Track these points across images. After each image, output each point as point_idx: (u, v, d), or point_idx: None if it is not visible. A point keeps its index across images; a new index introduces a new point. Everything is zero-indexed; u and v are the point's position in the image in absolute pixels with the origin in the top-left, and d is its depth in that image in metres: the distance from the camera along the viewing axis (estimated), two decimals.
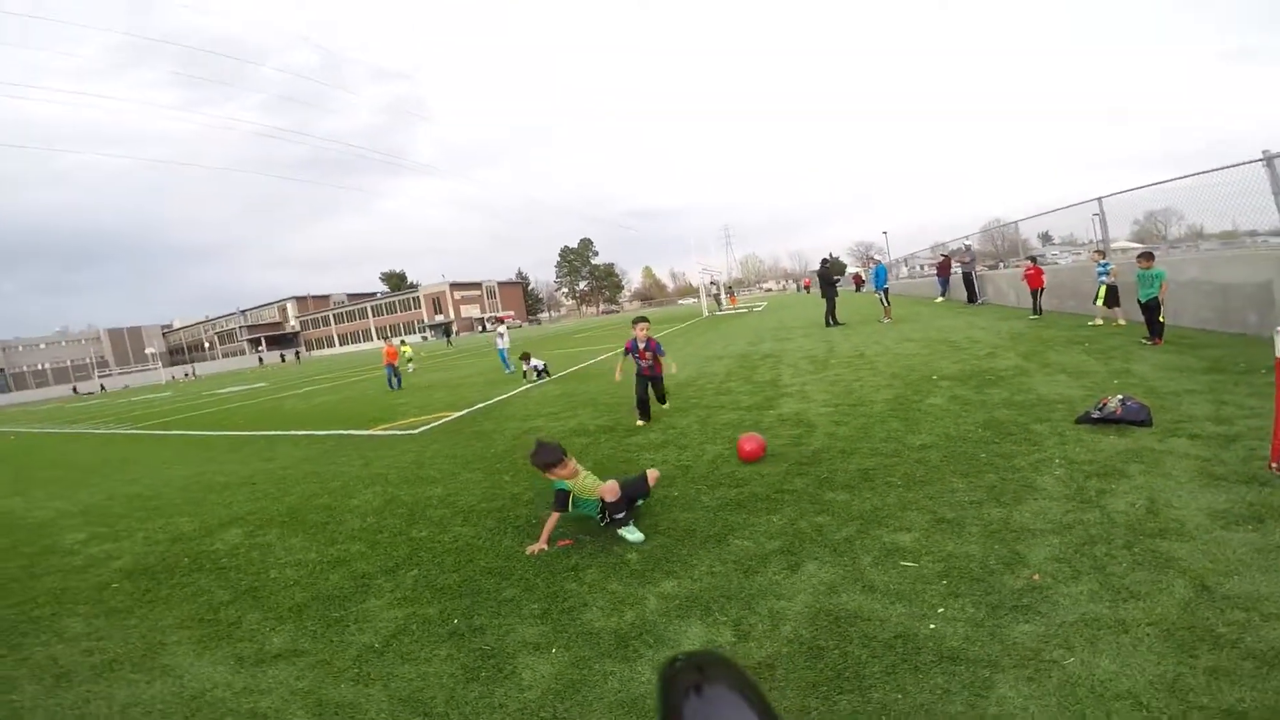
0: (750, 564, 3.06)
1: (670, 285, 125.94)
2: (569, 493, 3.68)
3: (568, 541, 3.61)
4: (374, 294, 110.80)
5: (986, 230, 28.24)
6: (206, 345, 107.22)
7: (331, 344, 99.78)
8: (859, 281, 40.64)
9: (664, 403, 7.28)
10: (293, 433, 9.95)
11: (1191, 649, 2.01)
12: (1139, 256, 8.51)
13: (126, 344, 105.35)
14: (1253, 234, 10.51)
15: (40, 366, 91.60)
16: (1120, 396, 4.67)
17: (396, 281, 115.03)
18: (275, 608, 3.25)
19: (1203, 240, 11.36)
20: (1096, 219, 13.58)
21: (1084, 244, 17.15)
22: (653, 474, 3.93)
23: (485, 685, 2.33)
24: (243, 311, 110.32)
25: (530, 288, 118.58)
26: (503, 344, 15.26)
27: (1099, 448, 4.01)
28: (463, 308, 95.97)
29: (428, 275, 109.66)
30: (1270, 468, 3.30)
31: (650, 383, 6.85)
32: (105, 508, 6.25)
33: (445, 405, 10.55)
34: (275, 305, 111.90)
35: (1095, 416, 4.60)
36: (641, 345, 6.71)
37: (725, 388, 8.40)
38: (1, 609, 3.74)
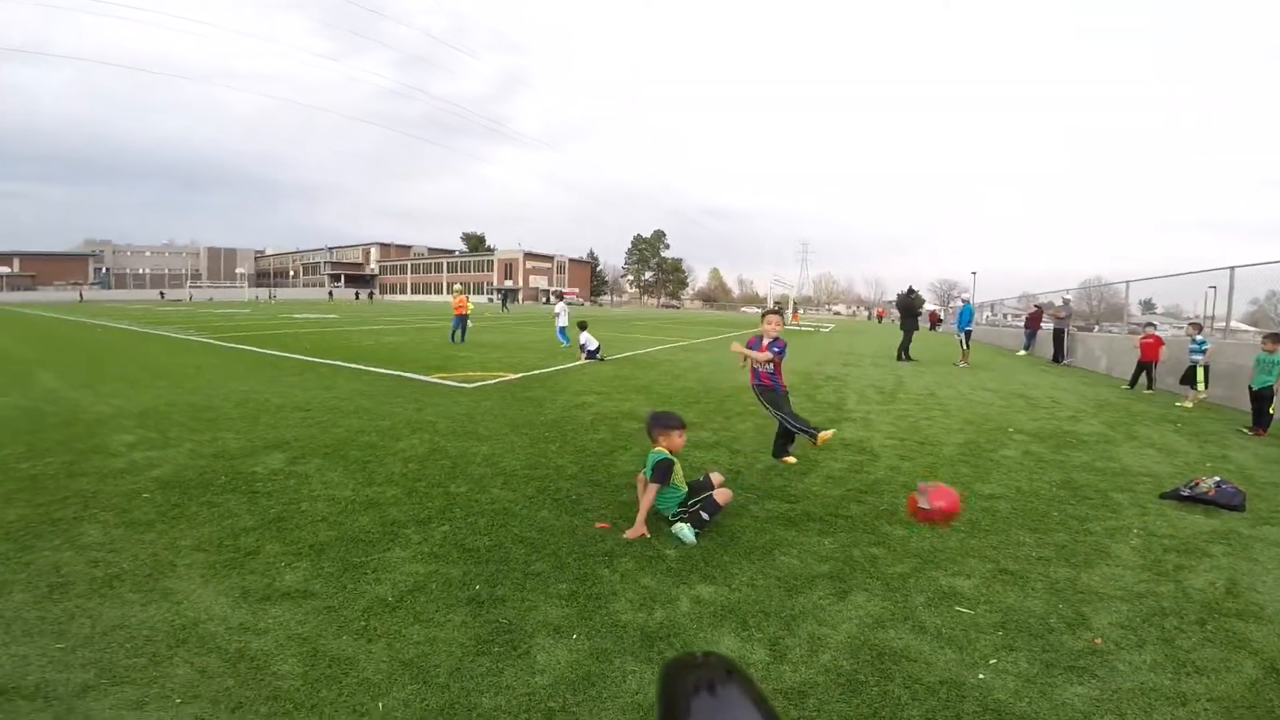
0: (795, 583, 2.87)
1: (736, 291, 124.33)
2: (674, 464, 3.45)
3: (605, 525, 3.47)
4: (452, 251, 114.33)
5: (1085, 287, 26.46)
6: (291, 274, 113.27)
7: (404, 291, 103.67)
8: (935, 320, 38.92)
9: (786, 451, 5.16)
10: (355, 366, 10.23)
11: None
12: (1265, 337, 7.65)
13: (221, 262, 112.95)
14: None
15: (141, 271, 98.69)
16: (1215, 478, 4.49)
17: (475, 243, 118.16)
18: (297, 542, 3.15)
19: None
20: (1212, 291, 12.34)
21: (1186, 317, 15.69)
22: (723, 494, 3.56)
23: (495, 661, 2.19)
24: (330, 249, 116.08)
25: (598, 269, 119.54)
26: (562, 321, 15.38)
27: (1182, 525, 3.90)
28: (532, 278, 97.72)
29: (505, 241, 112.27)
30: None
31: (763, 398, 5.18)
32: (163, 413, 6.29)
33: (504, 366, 10.65)
34: (360, 247, 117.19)
35: (1184, 494, 4.44)
36: (765, 342, 5.11)
37: None
38: (28, 507, 3.60)
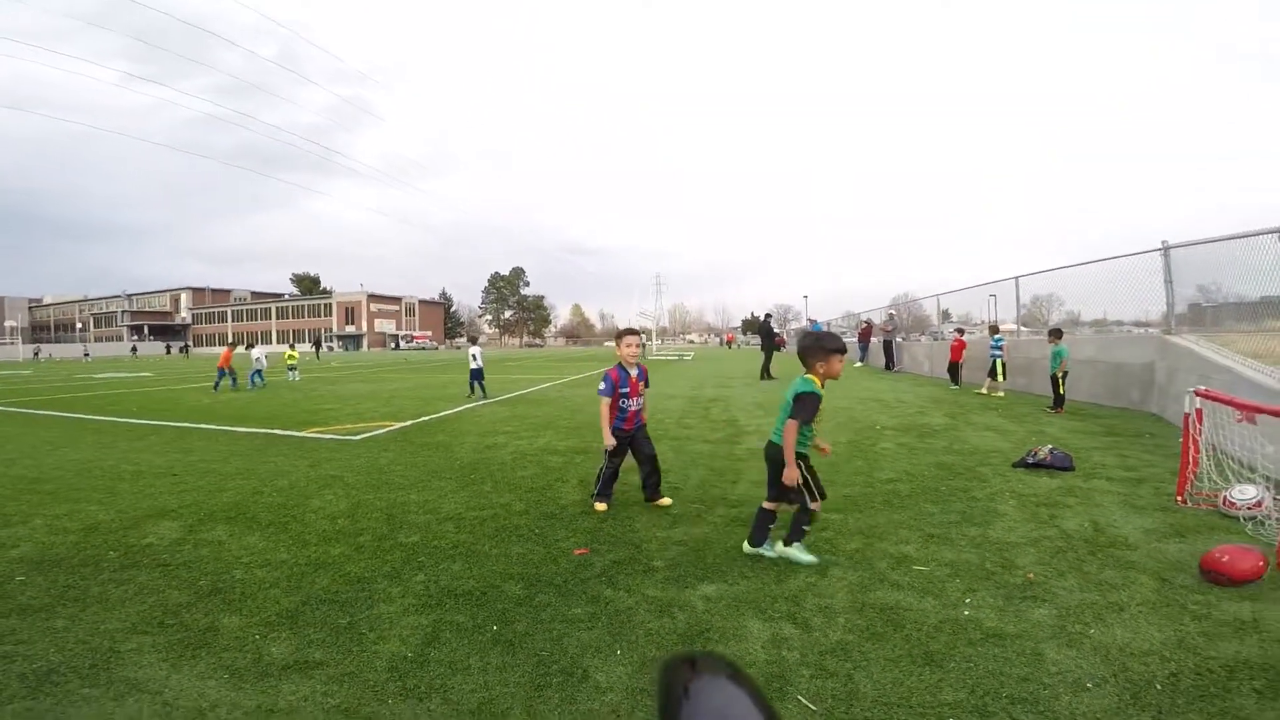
0: (779, 570, 3.18)
1: (599, 325, 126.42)
2: (821, 400, 3.01)
3: (584, 550, 3.51)
4: (281, 295, 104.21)
5: (895, 303, 30.81)
6: (79, 326, 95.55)
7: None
8: (781, 343, 42.74)
9: (658, 491, 4.43)
10: (205, 426, 9.01)
11: (1179, 620, 2.54)
12: (1050, 332, 9.59)
13: None
14: (1118, 322, 12.04)
15: None
16: (1048, 447, 5.59)
17: (309, 285, 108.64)
18: (258, 612, 2.80)
19: (1079, 326, 12.81)
20: (992, 299, 15.15)
21: (977, 323, 19.11)
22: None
23: (560, 690, 2.15)
24: (128, 295, 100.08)
25: (452, 310, 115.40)
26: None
27: (1037, 485, 4.82)
28: (378, 321, 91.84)
29: (345, 283, 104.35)
30: (1177, 501, 4.20)
31: (631, 445, 4.37)
32: None
33: (383, 415, 9.98)
34: (167, 294, 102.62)
35: (1030, 462, 5.45)
36: (634, 374, 4.30)
37: (685, 423, 8.54)
38: None
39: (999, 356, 11.28)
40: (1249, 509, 3.75)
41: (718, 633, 2.53)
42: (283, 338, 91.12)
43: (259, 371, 16.45)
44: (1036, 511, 4.09)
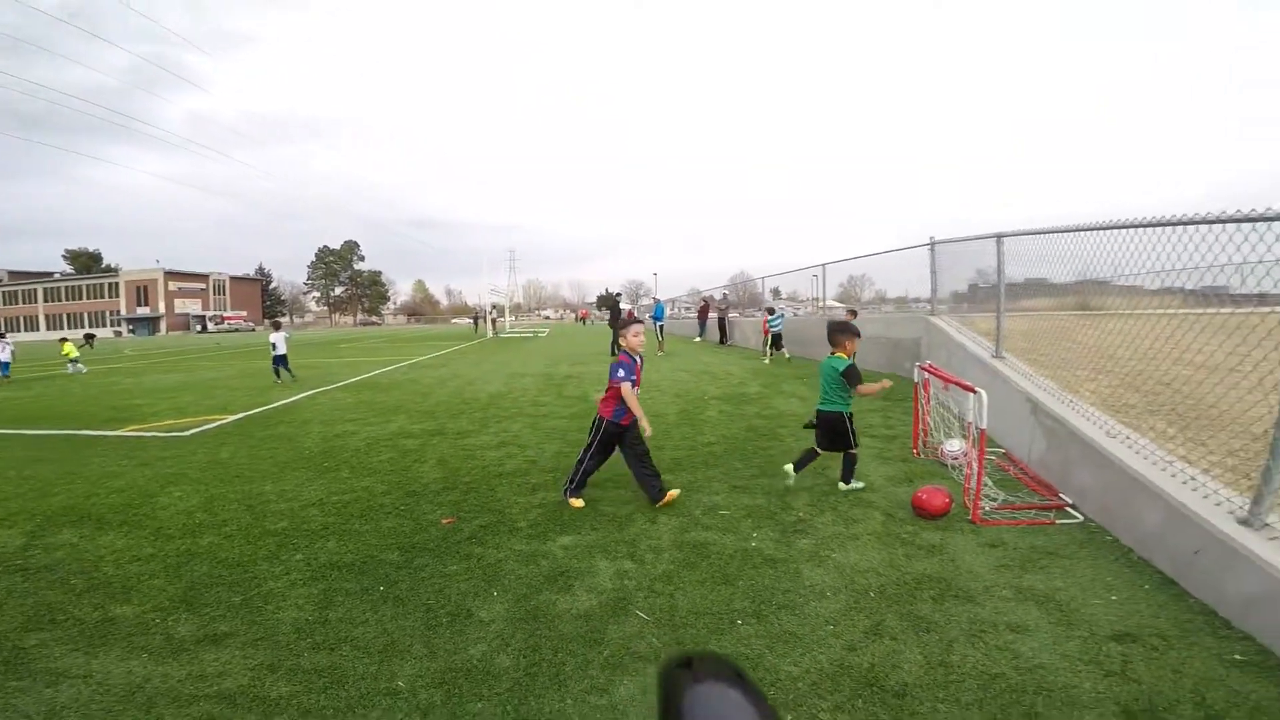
0: (620, 521, 3.94)
1: (445, 301, 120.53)
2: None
3: (451, 520, 4.00)
4: (51, 274, 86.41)
5: (733, 282, 33.69)
6: None
7: None
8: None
9: (660, 495, 4.17)
10: None
11: (892, 546, 3.47)
12: (847, 312, 11.54)
13: None
14: (916, 300, 14.74)
15: None
16: None
17: (87, 262, 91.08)
18: (148, 600, 2.96)
19: (884, 303, 15.44)
20: (816, 279, 17.61)
21: (804, 300, 21.89)
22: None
23: (451, 628, 2.67)
24: None
25: (272, 287, 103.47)
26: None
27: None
28: (179, 301, 79.83)
29: (137, 260, 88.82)
30: (913, 453, 5.53)
31: (620, 440, 4.24)
32: None
33: (210, 408, 9.31)
34: None
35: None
36: (638, 362, 4.26)
37: (540, 400, 9.09)
38: None
39: (776, 330, 13.87)
40: (954, 459, 4.97)
41: (575, 573, 3.20)
42: (53, 324, 76.11)
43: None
44: (814, 465, 5.21)
